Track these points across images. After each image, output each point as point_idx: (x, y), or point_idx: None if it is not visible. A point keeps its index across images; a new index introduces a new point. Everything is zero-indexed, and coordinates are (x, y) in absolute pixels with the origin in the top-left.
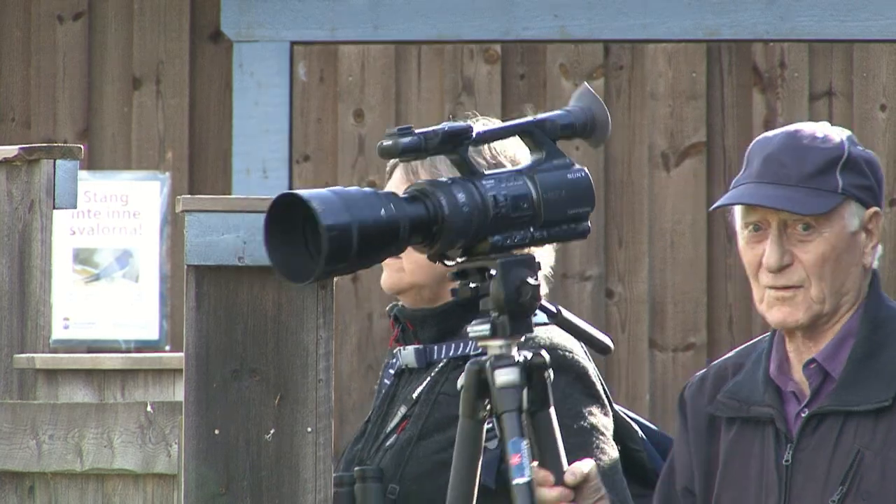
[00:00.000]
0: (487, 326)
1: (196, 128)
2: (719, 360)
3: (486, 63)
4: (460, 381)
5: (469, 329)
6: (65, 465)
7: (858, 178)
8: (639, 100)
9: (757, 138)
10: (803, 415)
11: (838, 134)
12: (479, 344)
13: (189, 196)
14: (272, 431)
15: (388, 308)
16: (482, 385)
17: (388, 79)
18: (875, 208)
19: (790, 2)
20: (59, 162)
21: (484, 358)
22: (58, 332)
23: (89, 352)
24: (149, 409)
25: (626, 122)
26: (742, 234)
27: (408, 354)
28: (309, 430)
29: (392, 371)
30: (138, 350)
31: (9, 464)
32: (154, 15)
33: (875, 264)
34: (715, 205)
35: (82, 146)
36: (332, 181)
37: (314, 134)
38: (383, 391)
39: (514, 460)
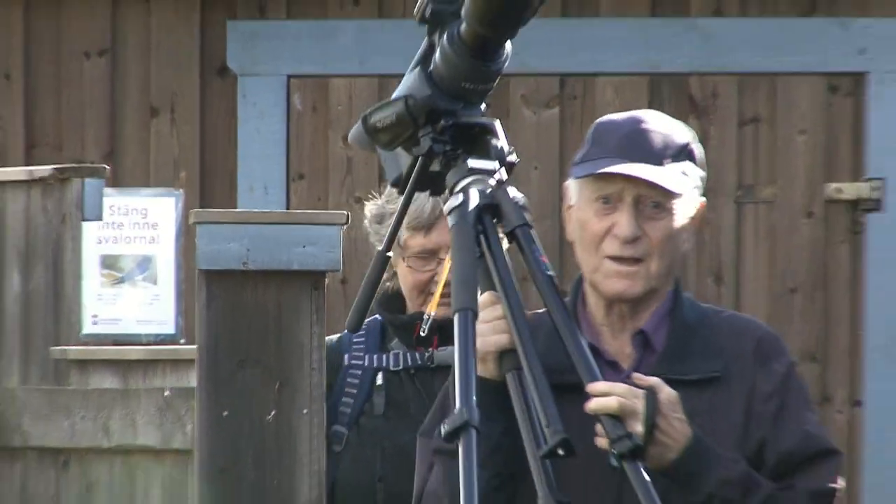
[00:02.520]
0: (492, 162)
1: (206, 151)
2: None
3: None
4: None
5: (474, 162)
6: (95, 442)
7: (699, 171)
8: (590, 125)
9: (601, 120)
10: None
11: (683, 127)
12: (475, 178)
13: (200, 210)
14: (273, 413)
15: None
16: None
17: (367, 106)
18: (703, 200)
19: (722, 40)
20: (87, 180)
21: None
22: (87, 328)
23: (115, 344)
24: (166, 393)
25: (580, 145)
26: (591, 206)
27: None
28: (305, 411)
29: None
30: (157, 343)
31: (47, 442)
32: (168, 52)
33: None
34: (589, 172)
35: (107, 166)
36: (323, 198)
37: (308, 156)
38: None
39: (544, 259)
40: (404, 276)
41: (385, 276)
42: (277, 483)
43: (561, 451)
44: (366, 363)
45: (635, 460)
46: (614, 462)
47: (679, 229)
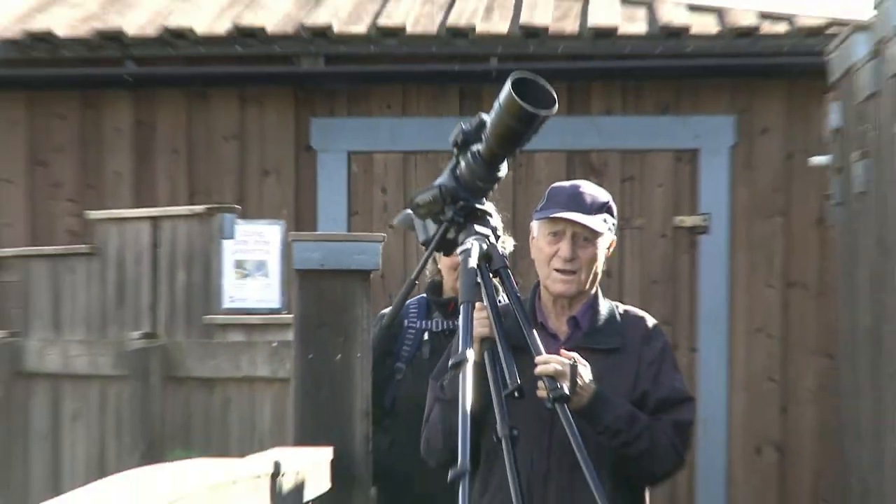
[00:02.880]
0: (489, 230)
1: (298, 197)
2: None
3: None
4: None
5: (478, 228)
6: (230, 374)
7: (612, 220)
8: (531, 186)
9: (553, 185)
10: (563, 349)
11: (604, 192)
12: (477, 237)
13: (295, 233)
14: (339, 357)
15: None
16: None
17: (400, 171)
18: (614, 238)
19: (610, 129)
20: (225, 215)
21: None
22: (226, 304)
23: (243, 314)
24: (274, 344)
25: (524, 200)
26: (545, 238)
27: None
28: (358, 355)
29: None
30: (268, 313)
31: (201, 374)
32: (275, 136)
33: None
34: (545, 216)
35: (238, 206)
36: (369, 227)
37: (360, 201)
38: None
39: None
40: (448, 273)
41: (430, 269)
42: (341, 399)
43: (516, 394)
44: (417, 326)
45: (563, 404)
46: (549, 405)
47: (597, 254)
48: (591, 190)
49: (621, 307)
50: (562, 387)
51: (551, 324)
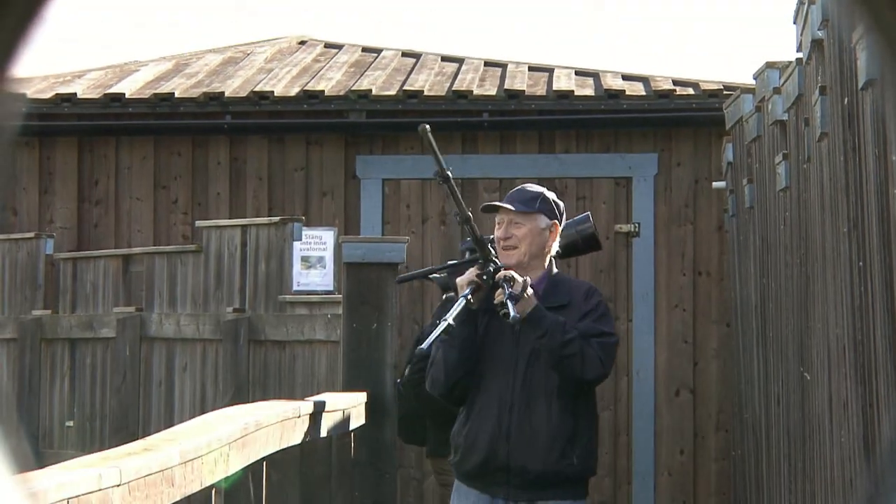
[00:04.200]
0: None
1: (347, 212)
2: None
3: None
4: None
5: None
6: (297, 338)
7: (545, 206)
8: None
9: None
10: None
11: (540, 188)
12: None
13: (345, 236)
14: (375, 326)
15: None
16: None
17: (419, 193)
18: (554, 221)
19: (567, 163)
20: (294, 224)
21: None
22: (295, 287)
23: (307, 294)
24: (329, 316)
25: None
26: (497, 225)
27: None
28: (389, 324)
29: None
30: (325, 294)
31: (275, 338)
32: (329, 168)
33: (553, 252)
34: (488, 205)
35: (303, 217)
36: (397, 232)
37: (391, 215)
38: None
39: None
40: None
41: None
42: (377, 356)
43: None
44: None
45: (514, 301)
46: (503, 308)
47: (532, 233)
48: (529, 188)
49: (569, 278)
50: (515, 286)
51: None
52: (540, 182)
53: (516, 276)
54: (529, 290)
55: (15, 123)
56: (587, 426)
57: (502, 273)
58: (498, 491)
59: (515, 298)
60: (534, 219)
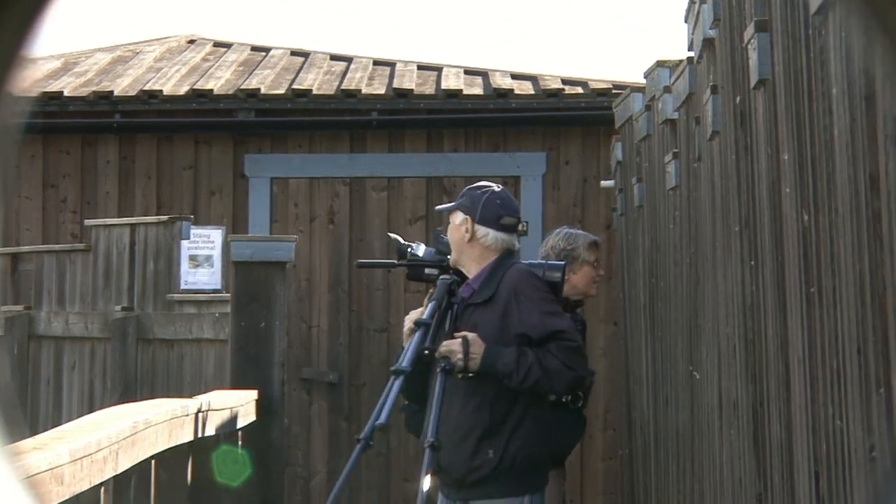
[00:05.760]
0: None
1: (235, 210)
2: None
3: (342, 186)
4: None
5: (441, 276)
6: (185, 336)
7: (463, 201)
8: (400, 202)
9: None
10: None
11: (487, 184)
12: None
13: (233, 235)
14: (263, 324)
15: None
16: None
17: (306, 192)
18: (467, 216)
19: (458, 162)
20: (183, 222)
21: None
22: (182, 286)
23: (195, 293)
24: (217, 315)
25: (395, 214)
26: None
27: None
28: (278, 322)
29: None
30: (213, 293)
31: (164, 336)
32: (218, 166)
33: (490, 243)
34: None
35: (192, 216)
36: (285, 232)
37: (279, 213)
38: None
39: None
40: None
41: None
42: (265, 355)
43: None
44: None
45: (445, 373)
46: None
47: (456, 229)
48: (474, 185)
49: (512, 271)
50: (455, 361)
51: (466, 287)
52: (428, 181)
53: (453, 347)
54: (475, 347)
55: (18, 123)
56: (513, 419)
57: (440, 351)
58: (444, 491)
59: (458, 370)
60: (455, 216)
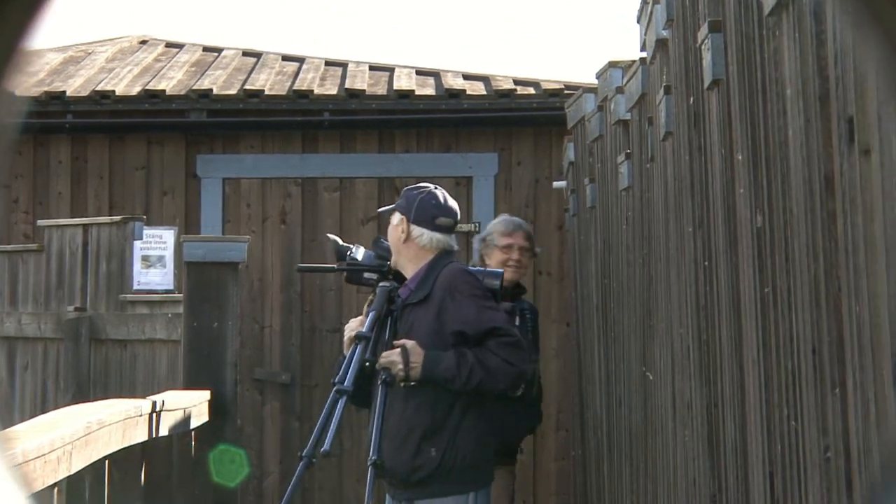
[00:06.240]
0: (389, 282)
1: (187, 211)
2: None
3: (294, 186)
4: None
5: (381, 283)
6: (137, 336)
7: (401, 203)
8: (352, 202)
9: None
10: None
11: (425, 185)
12: (383, 285)
13: (186, 235)
14: (215, 324)
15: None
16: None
17: (259, 192)
18: (403, 217)
19: (410, 163)
20: (136, 223)
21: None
22: (135, 286)
23: (147, 293)
24: (169, 315)
25: (347, 214)
26: None
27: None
28: (230, 323)
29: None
30: (165, 293)
31: (117, 337)
32: (170, 166)
33: (423, 243)
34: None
35: (144, 217)
36: (237, 232)
37: (231, 213)
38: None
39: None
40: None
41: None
42: (218, 355)
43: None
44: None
45: (385, 385)
46: (387, 384)
47: (394, 229)
48: (403, 192)
49: (447, 270)
50: (396, 372)
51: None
52: (380, 182)
53: (393, 358)
54: (415, 356)
55: (15, 123)
56: (454, 417)
57: (380, 363)
58: (389, 491)
59: (398, 380)
60: (393, 217)
